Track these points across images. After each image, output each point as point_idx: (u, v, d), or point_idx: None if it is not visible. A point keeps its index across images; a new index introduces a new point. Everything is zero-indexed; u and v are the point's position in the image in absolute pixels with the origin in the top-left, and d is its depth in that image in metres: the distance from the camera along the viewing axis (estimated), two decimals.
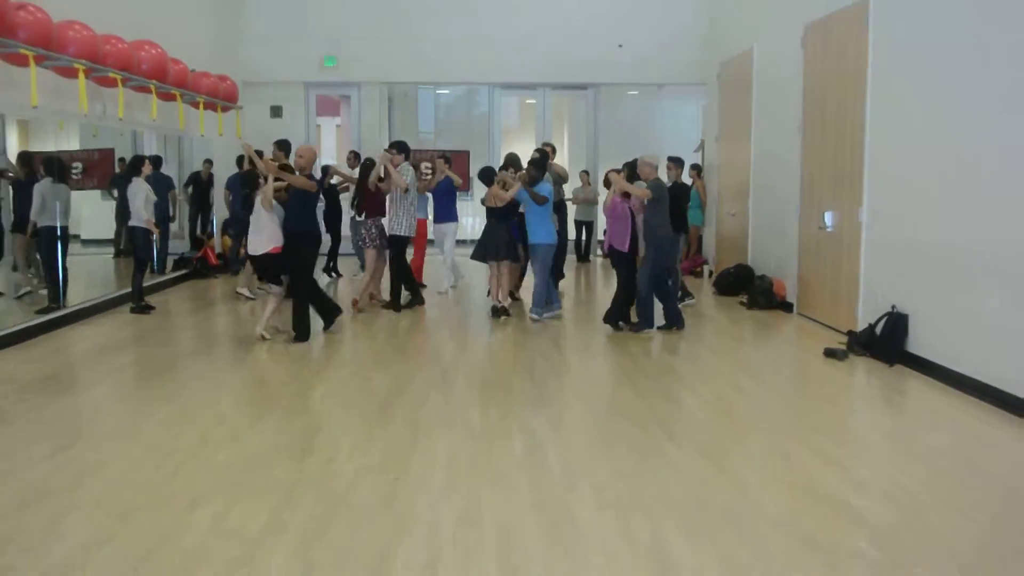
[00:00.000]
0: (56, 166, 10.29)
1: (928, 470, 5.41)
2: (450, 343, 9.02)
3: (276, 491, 4.80)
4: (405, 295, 10.84)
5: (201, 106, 12.27)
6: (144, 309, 10.41)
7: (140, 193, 10.07)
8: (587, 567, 3.95)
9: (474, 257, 10.45)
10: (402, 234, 10.56)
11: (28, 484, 4.95)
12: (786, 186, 10.81)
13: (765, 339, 9.51)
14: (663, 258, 9.24)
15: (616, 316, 9.45)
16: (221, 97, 12.82)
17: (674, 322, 9.35)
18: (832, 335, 9.10)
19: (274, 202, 8.53)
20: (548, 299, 10.15)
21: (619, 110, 17.78)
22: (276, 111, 17.16)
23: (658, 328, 9.28)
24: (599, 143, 17.29)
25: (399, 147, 10.77)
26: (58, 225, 10.10)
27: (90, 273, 11.30)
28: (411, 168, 10.89)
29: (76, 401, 6.82)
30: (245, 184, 10.92)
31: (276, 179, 8.55)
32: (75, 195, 10.81)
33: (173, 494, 4.81)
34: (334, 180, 13.22)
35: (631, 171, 9.56)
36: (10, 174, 9.70)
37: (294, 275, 8.63)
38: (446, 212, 11.87)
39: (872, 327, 8.30)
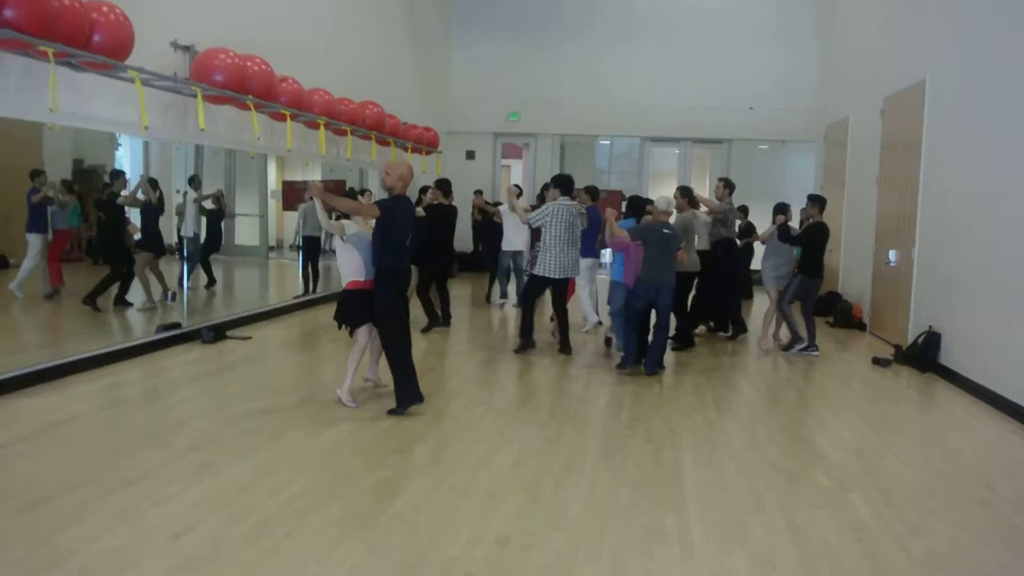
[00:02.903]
0: None
1: (903, 439, 6.31)
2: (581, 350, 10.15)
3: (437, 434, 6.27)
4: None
5: (409, 150, 14.05)
6: None
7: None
8: (623, 472, 5.18)
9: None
10: (546, 276, 8.71)
11: (278, 403, 6.60)
12: (866, 228, 11.52)
13: (832, 349, 10.20)
14: (635, 300, 8.15)
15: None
16: (425, 144, 14.55)
17: (654, 365, 8.10)
18: (889, 349, 9.78)
19: (355, 231, 6.45)
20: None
21: (751, 161, 18.49)
22: (470, 154, 18.94)
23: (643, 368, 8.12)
24: None
25: (556, 182, 8.91)
26: (314, 236, 12.52)
27: (325, 272, 13.23)
28: (574, 204, 8.86)
29: (308, 355, 8.52)
30: None
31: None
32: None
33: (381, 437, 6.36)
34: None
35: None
36: (141, 198, 9.70)
37: (378, 324, 6.42)
38: (585, 247, 9.47)
39: (914, 342, 9.03)
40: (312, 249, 12.67)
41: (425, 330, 9.94)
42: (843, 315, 11.78)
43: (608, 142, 20.17)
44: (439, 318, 10.28)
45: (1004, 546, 4.30)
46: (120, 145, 13.02)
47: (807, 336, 9.52)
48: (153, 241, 10.01)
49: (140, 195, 9.75)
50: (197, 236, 10.63)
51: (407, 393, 6.27)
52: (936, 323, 8.81)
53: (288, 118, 9.50)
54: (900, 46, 10.68)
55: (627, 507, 4.58)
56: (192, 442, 5.39)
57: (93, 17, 6.23)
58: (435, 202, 10.54)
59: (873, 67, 11.91)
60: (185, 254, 10.03)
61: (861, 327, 11.49)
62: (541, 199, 9.28)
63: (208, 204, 11.19)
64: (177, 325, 8.84)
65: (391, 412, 6.22)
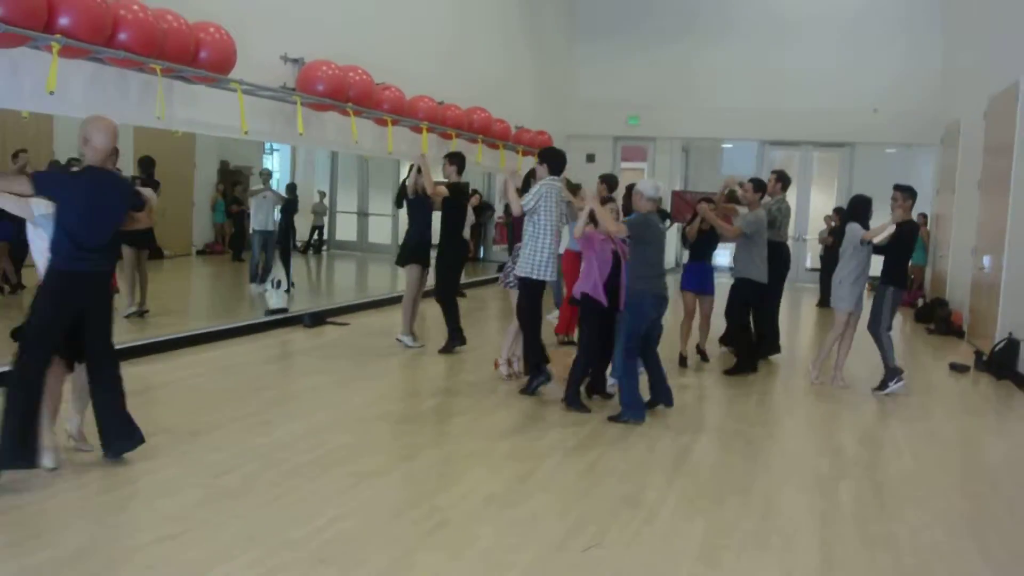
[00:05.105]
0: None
1: (932, 438, 6.37)
2: None
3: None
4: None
5: (520, 153, 14.71)
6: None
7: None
8: (631, 452, 5.61)
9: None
10: (533, 277, 6.86)
11: (348, 376, 7.39)
12: (970, 234, 11.27)
13: (918, 355, 10.05)
14: (638, 321, 6.31)
15: (577, 394, 6.51)
16: (537, 147, 15.14)
17: (659, 398, 6.55)
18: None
19: (45, 211, 4.56)
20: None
21: (877, 165, 18.07)
22: (590, 157, 19.37)
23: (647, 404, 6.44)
24: (853, 192, 17.75)
25: (543, 156, 7.13)
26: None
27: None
28: (558, 187, 6.91)
29: (392, 339, 9.28)
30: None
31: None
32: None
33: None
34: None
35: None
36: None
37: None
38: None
39: (993, 349, 8.89)
40: None
41: (444, 350, 8.42)
42: (943, 322, 11.55)
43: (730, 146, 20.20)
44: (462, 333, 8.55)
45: (969, 534, 4.47)
46: (277, 150, 14.42)
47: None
48: (136, 233, 7.29)
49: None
50: (270, 231, 11.21)
51: (16, 452, 4.38)
52: (1020, 331, 8.63)
53: (389, 123, 10.32)
54: (999, 49, 10.45)
55: (617, 480, 5.02)
56: (259, 406, 6.23)
57: (200, 36, 7.18)
58: (452, 180, 8.69)
59: (979, 69, 11.64)
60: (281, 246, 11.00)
61: (960, 335, 11.24)
62: (527, 185, 7.40)
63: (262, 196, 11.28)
64: (284, 310, 9.83)
65: None
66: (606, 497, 4.70)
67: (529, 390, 6.83)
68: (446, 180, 8.74)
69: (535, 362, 6.89)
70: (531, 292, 6.97)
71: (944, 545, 4.31)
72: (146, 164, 8.95)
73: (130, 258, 8.83)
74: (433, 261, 8.85)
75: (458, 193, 8.65)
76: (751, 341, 8.35)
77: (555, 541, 4.07)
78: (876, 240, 7.68)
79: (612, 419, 6.21)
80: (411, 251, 8.73)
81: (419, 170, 8.48)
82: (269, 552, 3.80)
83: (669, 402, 6.51)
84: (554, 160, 7.05)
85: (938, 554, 4.19)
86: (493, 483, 4.84)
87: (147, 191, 5.14)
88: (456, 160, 8.66)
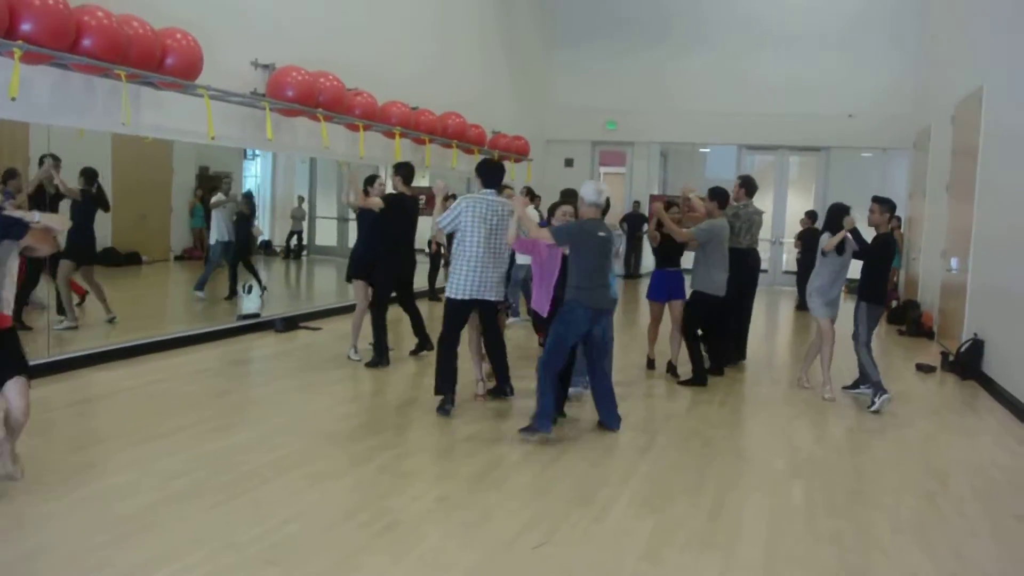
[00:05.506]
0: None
1: (892, 438, 6.44)
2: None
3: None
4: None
5: (495, 157, 14.74)
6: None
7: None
8: (590, 451, 5.65)
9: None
10: (451, 296, 6.47)
11: (311, 381, 7.41)
12: (939, 236, 11.40)
13: (887, 356, 10.08)
14: (563, 332, 5.87)
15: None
16: (514, 151, 15.24)
17: (603, 420, 6.19)
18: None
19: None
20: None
21: (852, 169, 18.23)
22: (569, 162, 19.53)
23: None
24: (828, 195, 17.92)
25: (477, 170, 6.69)
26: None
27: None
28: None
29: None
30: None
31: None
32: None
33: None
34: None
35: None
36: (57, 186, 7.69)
37: None
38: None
39: (958, 350, 8.99)
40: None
41: (371, 364, 8.01)
42: (914, 323, 11.68)
43: (708, 150, 20.34)
44: (388, 352, 8.14)
45: (913, 531, 4.53)
46: (258, 155, 14.45)
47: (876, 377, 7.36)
48: (77, 247, 7.83)
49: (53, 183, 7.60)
50: (229, 242, 10.95)
51: None
52: (984, 332, 8.74)
53: (361, 129, 10.37)
54: (966, 56, 10.60)
55: (571, 480, 5.07)
56: (219, 410, 6.26)
57: (166, 43, 7.22)
58: (395, 191, 8.34)
59: (949, 75, 11.79)
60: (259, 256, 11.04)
61: (930, 336, 11.36)
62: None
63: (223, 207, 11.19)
64: (256, 315, 9.86)
65: None
66: (559, 497, 4.75)
67: (439, 411, 6.41)
68: (393, 191, 8.38)
69: (439, 386, 6.50)
70: (449, 311, 6.53)
71: (887, 540, 4.38)
72: (88, 175, 8.35)
73: (64, 272, 8.06)
74: None
75: (394, 204, 8.11)
76: (702, 354, 8.03)
77: (504, 540, 4.12)
78: (827, 247, 7.43)
79: (522, 431, 5.83)
80: (354, 265, 8.35)
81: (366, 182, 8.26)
82: (215, 553, 3.83)
83: (614, 425, 6.10)
84: (488, 174, 6.58)
85: (881, 551, 4.26)
86: (446, 486, 4.88)
87: (39, 217, 4.47)
88: (402, 171, 8.27)
